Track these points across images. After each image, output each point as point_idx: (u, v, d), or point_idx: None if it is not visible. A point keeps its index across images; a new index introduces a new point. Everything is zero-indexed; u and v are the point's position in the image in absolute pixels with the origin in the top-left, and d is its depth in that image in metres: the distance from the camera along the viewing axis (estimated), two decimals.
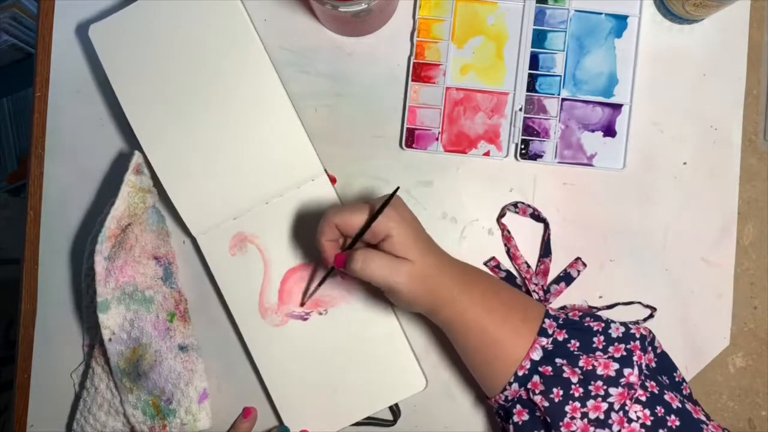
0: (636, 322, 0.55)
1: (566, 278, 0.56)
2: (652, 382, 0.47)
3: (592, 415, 0.45)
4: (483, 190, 0.58)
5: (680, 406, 0.46)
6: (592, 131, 0.57)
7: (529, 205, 0.57)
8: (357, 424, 0.57)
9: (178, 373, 0.57)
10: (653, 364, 0.50)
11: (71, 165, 0.60)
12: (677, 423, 0.45)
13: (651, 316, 0.56)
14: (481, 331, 0.48)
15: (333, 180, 0.57)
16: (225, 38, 0.55)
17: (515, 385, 0.48)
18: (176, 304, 0.58)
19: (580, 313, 0.51)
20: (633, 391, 0.46)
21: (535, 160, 0.57)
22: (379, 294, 0.56)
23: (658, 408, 0.46)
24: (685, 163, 0.57)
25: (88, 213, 0.60)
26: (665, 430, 0.45)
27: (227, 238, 0.57)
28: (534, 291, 0.55)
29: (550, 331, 0.48)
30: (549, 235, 0.57)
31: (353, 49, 0.58)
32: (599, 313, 0.54)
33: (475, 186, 0.58)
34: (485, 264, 0.57)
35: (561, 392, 0.46)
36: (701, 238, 0.57)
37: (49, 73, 0.60)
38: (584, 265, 0.57)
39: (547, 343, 0.47)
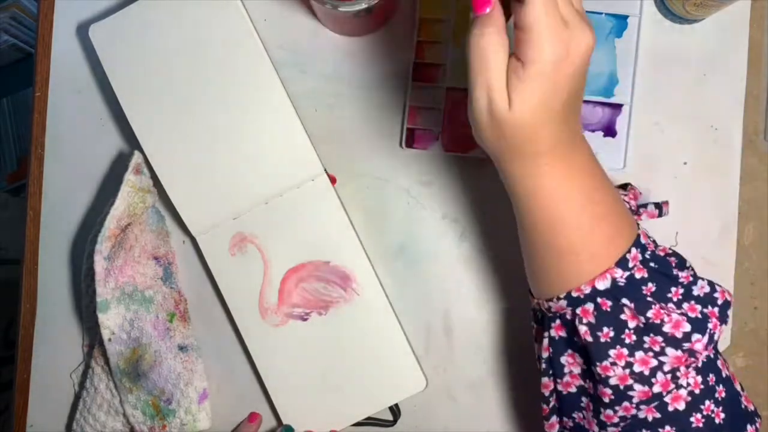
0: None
1: (658, 207, 0.51)
2: (710, 346, 0.41)
3: (637, 369, 0.40)
4: (483, 191, 0.58)
5: (727, 373, 0.42)
6: (592, 131, 0.57)
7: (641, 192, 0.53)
8: (357, 424, 0.57)
9: (178, 373, 0.57)
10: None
11: (71, 165, 0.60)
12: (723, 394, 0.41)
13: (660, 209, 0.52)
14: (552, 231, 0.40)
15: (333, 180, 0.57)
16: (225, 38, 0.55)
17: (564, 302, 0.42)
18: (176, 304, 0.58)
19: (670, 249, 0.44)
20: (692, 359, 0.40)
21: None
22: (380, 294, 0.56)
23: (711, 376, 0.41)
24: (685, 163, 0.57)
25: (88, 213, 0.60)
26: (712, 401, 0.41)
27: (227, 238, 0.57)
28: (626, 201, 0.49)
29: (630, 264, 0.40)
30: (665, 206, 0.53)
31: (353, 49, 0.58)
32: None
33: (475, 186, 0.58)
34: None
35: (611, 334, 0.40)
36: (701, 238, 0.57)
37: (49, 73, 0.60)
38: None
39: (621, 277, 0.40)
